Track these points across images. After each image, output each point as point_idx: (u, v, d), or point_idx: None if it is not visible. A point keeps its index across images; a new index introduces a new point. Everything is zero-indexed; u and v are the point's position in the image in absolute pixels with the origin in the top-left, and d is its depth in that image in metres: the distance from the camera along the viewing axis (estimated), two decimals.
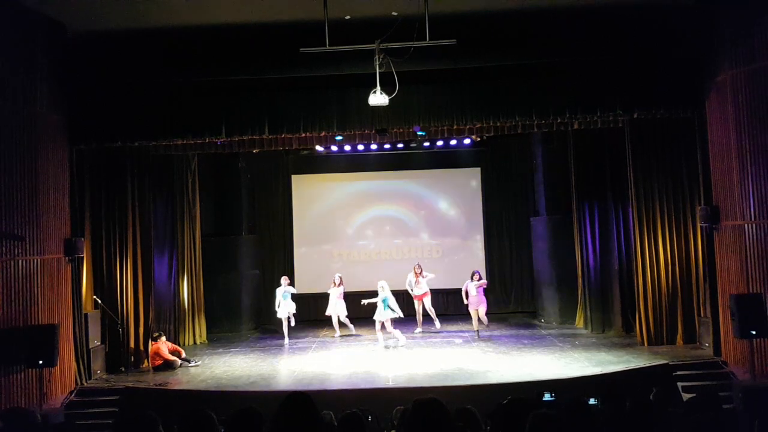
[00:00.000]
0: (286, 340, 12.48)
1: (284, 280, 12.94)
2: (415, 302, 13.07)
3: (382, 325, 11.78)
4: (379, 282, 12.00)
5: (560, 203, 13.56)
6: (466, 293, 12.41)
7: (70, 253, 9.73)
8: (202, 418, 3.52)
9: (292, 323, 12.61)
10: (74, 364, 9.74)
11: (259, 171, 15.10)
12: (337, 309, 12.82)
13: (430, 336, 12.67)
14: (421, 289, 12.86)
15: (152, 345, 10.87)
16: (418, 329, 12.95)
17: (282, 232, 15.51)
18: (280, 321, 12.68)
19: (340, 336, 12.85)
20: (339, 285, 12.85)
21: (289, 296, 12.67)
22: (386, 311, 11.70)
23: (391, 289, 12.04)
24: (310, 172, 15.56)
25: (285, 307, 12.59)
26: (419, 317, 13.06)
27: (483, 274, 13.69)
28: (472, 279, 12.43)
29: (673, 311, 10.79)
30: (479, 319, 12.34)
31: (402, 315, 12.02)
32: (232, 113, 10.18)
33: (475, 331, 12.37)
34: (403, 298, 13.36)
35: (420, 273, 12.87)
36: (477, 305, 12.32)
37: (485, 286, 12.46)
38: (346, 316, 12.85)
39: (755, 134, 8.79)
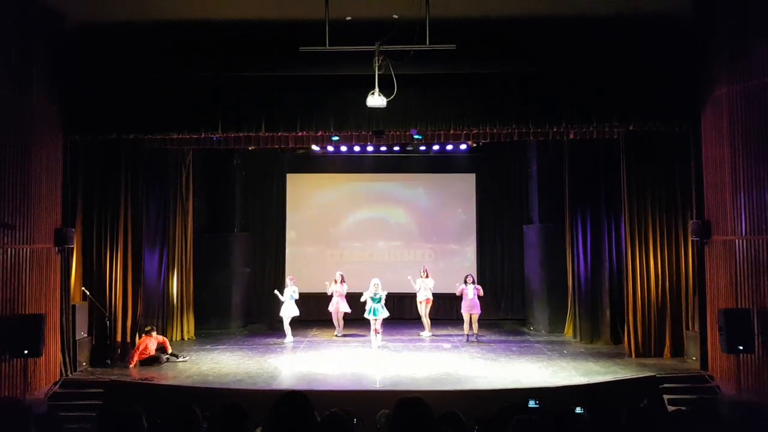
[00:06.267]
0: (288, 339, 12.41)
1: (290, 279, 12.88)
2: (418, 306, 13.15)
3: (376, 323, 11.88)
4: (373, 280, 12.09)
5: (553, 212, 13.60)
6: (461, 296, 12.44)
7: (60, 244, 9.68)
8: (187, 413, 3.50)
9: (286, 326, 12.55)
10: (60, 355, 9.68)
11: (254, 168, 15.07)
12: (338, 307, 12.78)
13: (419, 340, 12.68)
14: (422, 294, 12.92)
15: (142, 337, 10.80)
16: (428, 332, 13.02)
17: (275, 230, 15.48)
18: (281, 320, 12.62)
19: (343, 335, 12.84)
20: (341, 283, 12.82)
21: (293, 298, 12.55)
22: (380, 312, 11.84)
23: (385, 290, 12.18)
24: (305, 172, 15.54)
25: (286, 308, 12.53)
26: (426, 320, 13.10)
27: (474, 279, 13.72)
28: (465, 282, 12.48)
29: (662, 324, 10.83)
30: (470, 324, 12.37)
31: (388, 314, 12.09)
32: (229, 109, 10.16)
33: (465, 335, 12.42)
34: (395, 300, 13.37)
35: (426, 276, 13.00)
36: (470, 309, 12.37)
37: (479, 292, 12.46)
38: (345, 314, 12.86)
39: (749, 151, 8.83)
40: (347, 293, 12.86)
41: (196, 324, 13.38)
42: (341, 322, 12.97)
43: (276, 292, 12.77)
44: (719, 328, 8.78)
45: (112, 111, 10.06)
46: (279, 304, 12.74)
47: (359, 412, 5.68)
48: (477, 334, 12.43)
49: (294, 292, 12.58)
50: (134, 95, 10.09)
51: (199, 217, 13.91)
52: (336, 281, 12.84)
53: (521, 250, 14.78)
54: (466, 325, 12.48)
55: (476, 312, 12.39)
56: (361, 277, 13.11)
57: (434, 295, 13.11)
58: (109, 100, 10.07)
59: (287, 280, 13.01)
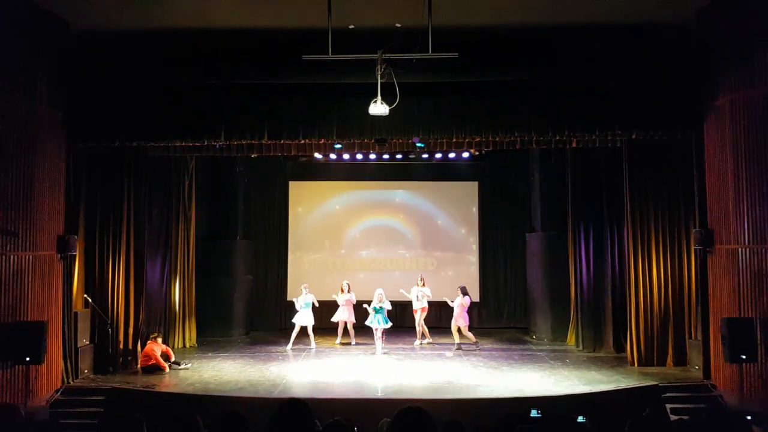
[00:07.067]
0: (289, 346, 12.44)
1: (304, 288, 12.89)
2: (414, 314, 13.14)
3: (378, 332, 11.98)
4: (377, 290, 12.22)
5: (556, 220, 13.58)
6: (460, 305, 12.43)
7: (63, 251, 9.69)
8: (188, 420, 3.49)
9: (309, 332, 12.58)
10: (62, 362, 9.68)
11: (256, 176, 15.10)
12: (344, 316, 12.79)
13: (421, 348, 12.65)
14: (419, 303, 12.92)
15: (147, 344, 10.84)
16: (419, 341, 13.02)
17: (277, 238, 15.49)
18: (293, 325, 12.70)
19: (341, 344, 12.84)
20: (348, 292, 12.81)
21: (310, 305, 12.60)
22: (384, 321, 12.04)
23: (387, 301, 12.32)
24: (307, 179, 15.56)
25: (300, 316, 12.58)
26: (419, 329, 13.09)
27: (476, 287, 13.68)
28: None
29: (665, 332, 10.79)
30: (461, 334, 12.36)
31: (391, 324, 12.27)
32: (232, 117, 10.19)
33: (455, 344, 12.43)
34: (397, 308, 13.36)
35: (423, 285, 13.01)
36: (456, 321, 12.37)
37: (464, 304, 12.41)
38: (353, 324, 12.87)
39: (752, 159, 8.83)
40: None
41: (198, 331, 13.36)
42: (352, 332, 12.89)
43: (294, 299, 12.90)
44: (722, 337, 8.75)
45: (115, 118, 10.09)
46: (290, 312, 12.77)
47: (361, 421, 5.68)
48: (476, 343, 12.35)
49: (312, 300, 12.63)
50: (137, 103, 10.13)
51: (202, 224, 13.92)
52: (342, 290, 12.83)
53: (524, 258, 14.75)
54: (454, 335, 12.42)
55: (458, 324, 12.30)
56: (363, 285, 13.10)
57: (437, 304, 13.08)
58: (113, 108, 10.10)
59: (302, 288, 12.97)
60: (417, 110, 10.00)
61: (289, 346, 12.43)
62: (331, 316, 13.02)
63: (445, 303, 12.80)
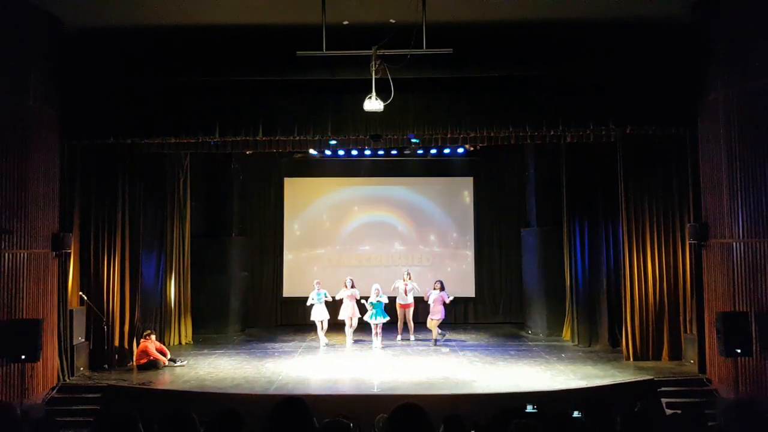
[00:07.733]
0: (322, 342, 12.51)
1: (316, 284, 12.90)
2: (399, 311, 13.08)
3: (377, 328, 12.11)
4: (374, 285, 12.31)
5: (551, 215, 13.60)
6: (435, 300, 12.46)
7: (58, 248, 9.66)
8: (184, 418, 3.50)
9: (324, 327, 12.60)
10: (57, 360, 9.66)
11: (251, 172, 15.09)
12: (349, 312, 12.76)
13: (417, 344, 12.67)
14: (407, 299, 12.91)
15: (141, 342, 10.83)
16: (399, 337, 13.04)
17: (272, 234, 15.49)
18: (313, 323, 12.74)
19: (353, 342, 12.78)
20: (351, 287, 12.79)
21: (323, 300, 12.63)
22: (382, 315, 12.18)
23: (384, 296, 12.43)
24: (303, 176, 15.55)
25: (316, 311, 12.61)
26: (400, 325, 13.09)
27: (471, 283, 13.64)
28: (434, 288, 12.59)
29: (660, 327, 10.84)
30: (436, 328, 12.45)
31: (388, 318, 12.44)
32: (227, 114, 10.16)
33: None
34: (393, 304, 13.37)
35: (409, 279, 13.02)
36: (431, 315, 12.42)
37: (442, 299, 12.45)
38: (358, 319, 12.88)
39: (745, 154, 8.85)
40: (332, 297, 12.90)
41: (194, 328, 13.35)
42: (353, 326, 12.84)
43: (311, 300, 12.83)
44: (717, 331, 8.78)
45: (109, 115, 10.05)
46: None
47: (357, 417, 5.68)
48: (435, 339, 12.44)
49: (325, 294, 12.66)
50: (132, 100, 10.09)
51: (197, 221, 13.90)
52: (346, 286, 12.82)
53: (519, 253, 14.79)
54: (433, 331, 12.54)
55: (434, 318, 12.36)
56: (359, 281, 13.09)
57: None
58: (107, 105, 10.06)
59: (314, 284, 12.93)
60: (412, 106, 10.00)
61: (321, 342, 12.50)
62: (336, 312, 12.98)
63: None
